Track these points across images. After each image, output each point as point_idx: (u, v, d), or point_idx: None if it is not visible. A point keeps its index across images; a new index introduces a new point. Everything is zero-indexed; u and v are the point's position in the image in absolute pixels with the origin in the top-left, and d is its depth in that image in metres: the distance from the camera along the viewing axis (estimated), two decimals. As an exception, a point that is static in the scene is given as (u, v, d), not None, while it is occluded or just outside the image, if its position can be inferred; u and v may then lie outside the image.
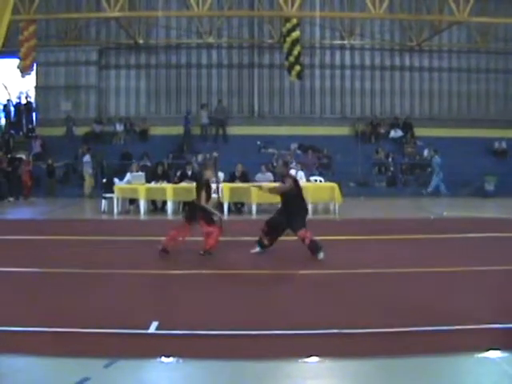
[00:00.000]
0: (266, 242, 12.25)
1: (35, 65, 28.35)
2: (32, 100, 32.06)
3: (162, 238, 12.24)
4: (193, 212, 12.42)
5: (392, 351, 6.34)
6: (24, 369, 5.97)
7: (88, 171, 27.37)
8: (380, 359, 6.15)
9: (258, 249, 12.30)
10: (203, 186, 12.43)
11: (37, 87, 31.93)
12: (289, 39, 25.57)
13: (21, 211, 22.66)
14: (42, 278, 10.18)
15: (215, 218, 12.42)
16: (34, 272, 10.51)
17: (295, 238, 11.92)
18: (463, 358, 6.21)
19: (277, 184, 14.16)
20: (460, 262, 11.35)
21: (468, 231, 15.63)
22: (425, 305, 8.21)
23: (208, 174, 12.94)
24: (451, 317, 7.52)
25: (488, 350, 6.31)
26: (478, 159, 29.33)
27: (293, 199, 12.22)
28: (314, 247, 11.71)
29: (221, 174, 21.13)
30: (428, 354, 6.24)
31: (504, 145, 30.93)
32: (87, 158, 27.92)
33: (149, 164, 25.75)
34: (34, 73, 29.45)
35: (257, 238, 12.32)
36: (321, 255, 11.61)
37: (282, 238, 12.35)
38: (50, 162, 27.21)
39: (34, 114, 32.18)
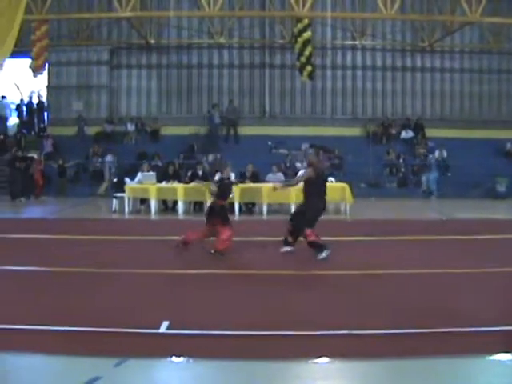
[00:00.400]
0: (290, 239, 12.24)
1: (47, 64, 28.43)
2: (44, 100, 32.19)
3: (174, 238, 12.24)
4: (213, 214, 12.46)
5: (402, 352, 6.33)
6: (35, 367, 6.00)
7: (109, 171, 27.46)
8: (389, 360, 6.14)
9: (286, 248, 12.28)
10: (221, 185, 12.66)
11: (48, 87, 32.04)
12: (300, 39, 25.52)
13: (32, 210, 22.76)
14: (53, 276, 10.21)
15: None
16: (44, 271, 10.55)
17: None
18: (474, 360, 6.19)
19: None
20: (471, 263, 11.31)
21: (479, 233, 15.55)
22: (435, 306, 8.18)
23: (225, 173, 12.98)
24: (462, 318, 7.50)
25: (499, 353, 6.28)
26: (490, 160, 29.19)
27: (308, 194, 12.26)
28: (316, 247, 11.73)
29: (232, 175, 21.17)
30: (438, 356, 6.23)
31: (516, 146, 30.80)
32: (110, 157, 28.01)
33: (160, 164, 25.77)
34: (45, 72, 29.52)
35: (283, 238, 12.36)
36: (322, 255, 11.59)
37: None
38: (60, 162, 27.30)
39: (45, 114, 32.31)
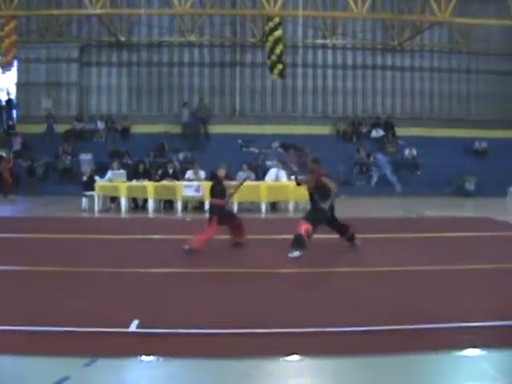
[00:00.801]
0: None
1: (16, 61, 28.16)
2: (12, 97, 31.85)
3: (145, 236, 12.18)
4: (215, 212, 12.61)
5: (372, 350, 6.35)
6: (3, 368, 5.92)
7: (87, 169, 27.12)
8: (360, 358, 6.16)
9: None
10: (216, 184, 12.88)
11: (17, 84, 31.75)
12: (271, 38, 25.57)
13: (0, 209, 22.47)
14: (20, 276, 10.10)
15: None
16: (11, 270, 10.42)
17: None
18: (443, 356, 6.23)
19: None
20: (441, 261, 11.38)
21: (448, 230, 15.71)
22: (407, 303, 8.23)
23: (221, 172, 12.98)
24: (430, 315, 7.55)
25: (467, 348, 6.35)
26: (459, 159, 29.54)
27: (313, 195, 12.38)
28: (296, 241, 11.66)
29: (202, 173, 21.18)
30: (407, 353, 6.28)
31: (484, 145, 31.13)
32: (89, 156, 27.73)
33: (130, 162, 25.65)
34: (14, 69, 29.26)
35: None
36: (294, 253, 11.52)
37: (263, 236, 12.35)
38: (29, 161, 27.04)
39: (14, 111, 31.97)
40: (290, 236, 11.84)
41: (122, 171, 21.18)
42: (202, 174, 21.25)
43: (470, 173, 28.00)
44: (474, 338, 6.70)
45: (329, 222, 12.47)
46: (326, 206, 12.29)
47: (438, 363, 6.12)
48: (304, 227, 11.77)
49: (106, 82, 32.16)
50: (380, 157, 28.57)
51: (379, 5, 30.11)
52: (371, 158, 29.66)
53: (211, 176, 20.41)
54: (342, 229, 12.67)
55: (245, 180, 15.02)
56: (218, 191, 12.78)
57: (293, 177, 20.98)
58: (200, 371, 5.91)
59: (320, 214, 12.21)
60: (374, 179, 28.72)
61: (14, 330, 6.89)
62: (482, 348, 6.38)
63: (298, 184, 13.33)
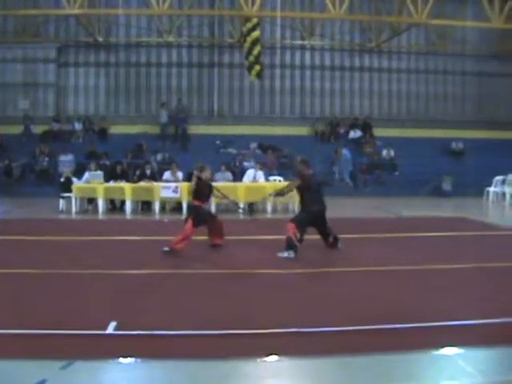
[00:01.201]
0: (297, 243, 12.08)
1: (-8, 61, 27.96)
2: (-11, 97, 31.60)
3: (122, 237, 12.13)
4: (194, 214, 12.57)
5: (349, 349, 6.38)
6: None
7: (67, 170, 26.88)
8: (337, 357, 6.18)
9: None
10: (202, 186, 12.79)
11: (-6, 84, 31.49)
12: (249, 39, 25.59)
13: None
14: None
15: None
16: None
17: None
18: (420, 355, 6.28)
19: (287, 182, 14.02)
20: (418, 260, 11.46)
21: (425, 230, 15.81)
22: (385, 303, 8.27)
23: (206, 174, 12.92)
24: (409, 315, 7.60)
25: (444, 347, 6.40)
26: (436, 159, 29.76)
27: (302, 195, 12.50)
28: (287, 244, 11.71)
29: (180, 174, 21.13)
30: (385, 352, 6.31)
31: (461, 145, 31.40)
32: (70, 157, 27.49)
33: (107, 163, 25.54)
34: (-10, 69, 29.06)
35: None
36: (284, 254, 11.62)
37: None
38: (6, 162, 26.82)
39: (-10, 112, 31.70)
40: (267, 237, 11.87)
41: (100, 172, 21.08)
42: (180, 174, 21.21)
43: (447, 173, 28.22)
44: (453, 337, 6.77)
45: (318, 225, 12.54)
46: (315, 208, 12.36)
47: (415, 362, 6.17)
48: (291, 229, 11.82)
49: (84, 82, 31.99)
50: (345, 152, 28.76)
51: (357, 6, 30.24)
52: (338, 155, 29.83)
53: (190, 176, 20.43)
54: (327, 236, 12.71)
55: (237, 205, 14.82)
56: (201, 193, 12.73)
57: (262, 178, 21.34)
58: (178, 373, 5.91)
59: (309, 217, 12.26)
60: (336, 175, 28.78)
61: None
62: (459, 346, 6.44)
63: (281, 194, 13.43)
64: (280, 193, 13.55)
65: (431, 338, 6.79)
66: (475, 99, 33.54)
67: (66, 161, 27.35)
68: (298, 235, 11.82)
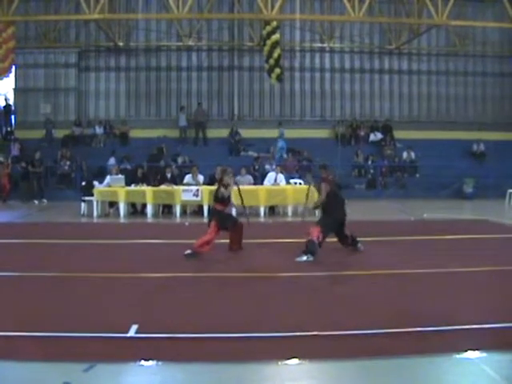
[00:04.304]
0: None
1: (14, 67, 28.16)
2: (11, 103, 31.84)
3: (144, 241, 12.16)
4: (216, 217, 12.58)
5: (370, 353, 6.36)
6: (3, 374, 5.92)
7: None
8: (359, 361, 6.17)
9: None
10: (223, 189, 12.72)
11: (16, 89, 31.74)
12: (269, 42, 25.60)
13: (-1, 214, 22.49)
14: (21, 281, 10.08)
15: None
16: (12, 276, 10.41)
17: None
18: (442, 359, 6.24)
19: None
20: (439, 263, 11.39)
21: (446, 233, 15.71)
22: (406, 306, 8.24)
23: (226, 178, 12.90)
24: (430, 318, 7.56)
25: (467, 351, 6.36)
26: (457, 161, 29.59)
27: (326, 208, 12.49)
28: (308, 247, 11.65)
29: (201, 177, 21.19)
30: (407, 356, 6.28)
31: (482, 147, 31.23)
32: (112, 160, 27.66)
33: (129, 167, 25.65)
34: (12, 75, 29.27)
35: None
36: (303, 258, 11.57)
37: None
38: (23, 164, 27.06)
39: (12, 117, 31.95)
40: (289, 240, 11.83)
41: (121, 176, 21.18)
42: (201, 178, 21.27)
43: (468, 175, 28.06)
44: (475, 341, 6.72)
45: (339, 229, 12.53)
46: (339, 213, 12.37)
47: (437, 366, 6.13)
48: (315, 232, 11.79)
49: (105, 86, 32.16)
50: (282, 144, 29.66)
51: (376, 8, 30.14)
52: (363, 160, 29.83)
53: (212, 180, 20.46)
54: (345, 239, 12.68)
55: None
56: (222, 196, 12.74)
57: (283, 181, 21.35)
58: (199, 375, 5.92)
59: (334, 222, 12.27)
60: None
61: (14, 336, 6.90)
62: (482, 350, 6.39)
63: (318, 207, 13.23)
64: (317, 206, 13.39)
65: (453, 342, 6.75)
66: (496, 100, 33.33)
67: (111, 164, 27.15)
68: (321, 239, 11.81)
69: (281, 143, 29.72)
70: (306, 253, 11.64)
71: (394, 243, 14.32)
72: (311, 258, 11.58)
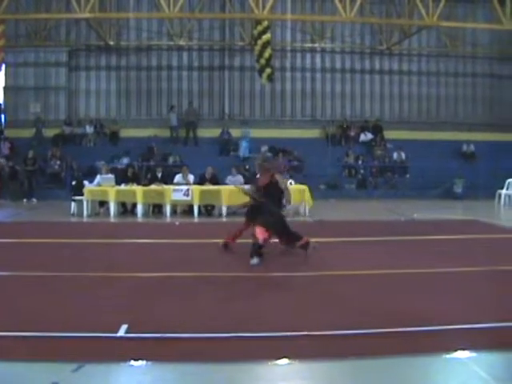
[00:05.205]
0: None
1: (4, 65, 28.03)
2: (1, 101, 31.72)
3: (133, 240, 12.13)
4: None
5: (361, 353, 6.36)
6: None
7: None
8: (349, 361, 6.16)
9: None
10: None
11: (5, 88, 31.61)
12: (260, 42, 25.57)
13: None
14: (9, 280, 10.04)
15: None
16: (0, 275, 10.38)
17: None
18: (432, 359, 6.24)
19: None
20: (429, 263, 11.41)
21: (437, 233, 15.75)
22: (396, 306, 8.25)
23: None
24: (421, 318, 7.56)
25: (457, 351, 6.36)
26: (447, 162, 29.66)
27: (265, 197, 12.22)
28: (252, 249, 11.43)
29: (191, 177, 21.17)
30: (397, 355, 6.29)
31: (472, 147, 31.34)
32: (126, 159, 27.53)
33: (119, 166, 25.59)
34: (2, 73, 29.15)
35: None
36: (253, 261, 11.27)
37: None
38: (10, 164, 26.95)
39: (2, 116, 31.82)
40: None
41: (111, 175, 21.14)
42: (191, 177, 21.24)
43: (458, 175, 28.17)
44: (466, 340, 6.73)
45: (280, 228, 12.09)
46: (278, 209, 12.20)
47: (427, 366, 6.13)
48: (259, 234, 11.53)
49: (95, 85, 32.06)
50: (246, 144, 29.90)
51: (367, 9, 30.17)
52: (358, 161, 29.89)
53: (202, 179, 20.40)
54: (291, 238, 12.16)
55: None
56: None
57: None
58: (189, 375, 5.89)
59: (275, 218, 11.92)
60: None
61: (1, 336, 6.86)
62: (472, 350, 6.40)
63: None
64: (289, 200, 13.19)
65: (443, 342, 6.76)
66: (486, 101, 33.44)
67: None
68: (267, 238, 11.70)
69: (245, 144, 29.75)
70: (252, 255, 11.36)
71: (384, 243, 14.33)
72: (258, 260, 11.31)
